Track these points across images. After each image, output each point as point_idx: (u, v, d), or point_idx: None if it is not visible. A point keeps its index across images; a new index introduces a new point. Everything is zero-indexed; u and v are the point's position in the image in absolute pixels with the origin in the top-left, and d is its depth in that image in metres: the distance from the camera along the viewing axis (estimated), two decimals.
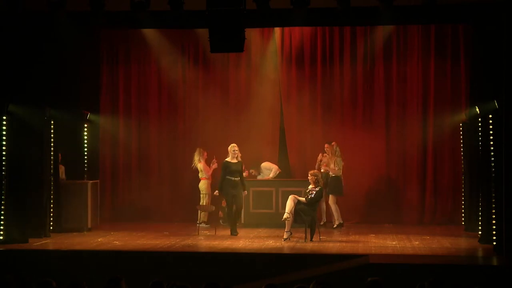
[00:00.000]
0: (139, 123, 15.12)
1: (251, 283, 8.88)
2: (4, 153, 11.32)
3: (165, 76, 15.01)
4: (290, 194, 11.85)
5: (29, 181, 11.62)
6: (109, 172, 14.94)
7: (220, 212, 13.78)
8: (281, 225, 11.90)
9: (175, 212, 14.75)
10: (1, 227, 11.29)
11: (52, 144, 12.20)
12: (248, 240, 11.72)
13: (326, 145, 13.70)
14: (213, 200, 13.51)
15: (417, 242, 11.41)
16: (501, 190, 10.41)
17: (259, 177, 14.15)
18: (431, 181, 14.36)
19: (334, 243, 11.50)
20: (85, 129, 13.74)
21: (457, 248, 10.96)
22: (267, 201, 13.62)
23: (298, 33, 14.66)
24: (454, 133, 14.01)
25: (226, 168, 12.33)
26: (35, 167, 11.68)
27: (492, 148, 10.76)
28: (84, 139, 13.71)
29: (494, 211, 10.65)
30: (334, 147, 13.47)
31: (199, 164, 13.72)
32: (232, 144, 12.50)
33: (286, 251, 10.82)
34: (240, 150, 12.55)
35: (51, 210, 12.35)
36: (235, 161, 12.37)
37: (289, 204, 11.65)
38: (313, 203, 11.73)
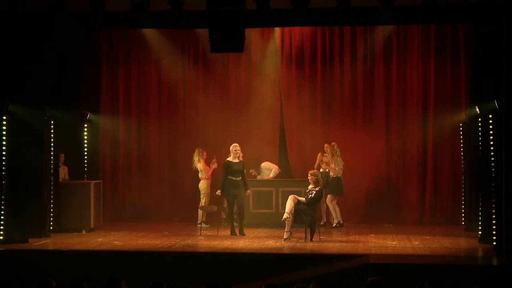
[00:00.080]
0: (139, 123, 15.12)
1: (251, 283, 8.88)
2: (4, 153, 11.32)
3: (165, 76, 15.01)
4: (290, 194, 11.85)
5: (29, 181, 11.62)
6: (109, 172, 14.94)
7: (222, 213, 13.77)
8: (281, 225, 11.89)
9: (175, 212, 14.76)
10: (1, 227, 11.30)
11: (52, 144, 12.20)
12: (248, 240, 11.72)
13: (325, 145, 13.70)
14: (214, 200, 13.49)
15: (417, 242, 11.41)
16: (501, 190, 10.41)
17: (259, 177, 14.16)
18: (431, 181, 14.36)
19: (334, 243, 11.49)
20: (85, 129, 13.76)
21: (457, 248, 10.95)
22: (267, 201, 13.62)
23: (298, 33, 14.66)
24: (454, 133, 14.02)
25: (228, 168, 12.32)
26: (35, 167, 11.68)
27: (492, 148, 10.76)
28: (84, 139, 13.73)
29: (494, 211, 10.65)
30: (335, 147, 13.47)
31: (199, 164, 13.72)
32: (234, 144, 12.49)
33: (286, 251, 10.82)
34: (240, 150, 12.54)
35: (51, 210, 12.35)
36: (236, 160, 12.36)
37: (289, 204, 11.65)
38: (313, 203, 11.73)
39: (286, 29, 14.57)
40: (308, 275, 8.97)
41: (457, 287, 6.51)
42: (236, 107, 14.88)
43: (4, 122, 11.32)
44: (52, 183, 12.33)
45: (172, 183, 14.99)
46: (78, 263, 9.97)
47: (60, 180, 13.00)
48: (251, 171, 13.99)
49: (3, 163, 11.31)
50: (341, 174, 13.43)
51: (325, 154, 13.63)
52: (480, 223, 11.35)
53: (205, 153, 13.80)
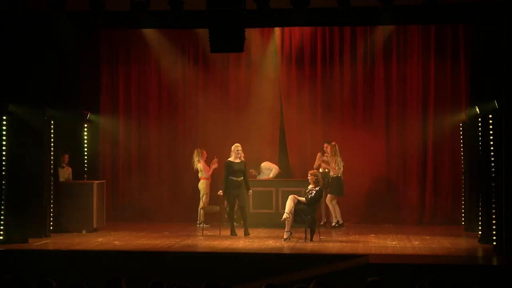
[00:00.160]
0: (139, 123, 15.12)
1: (251, 283, 8.88)
2: (4, 153, 11.32)
3: (165, 76, 15.01)
4: (290, 194, 11.85)
5: (29, 181, 11.62)
6: (109, 172, 14.93)
7: (225, 213, 13.76)
8: (281, 225, 11.89)
9: (175, 212, 14.75)
10: (1, 227, 11.29)
11: (52, 144, 12.20)
12: (248, 240, 11.72)
13: (325, 144, 13.71)
14: (214, 200, 13.47)
15: (417, 242, 11.41)
16: (501, 190, 10.41)
17: (259, 177, 14.16)
18: (431, 181, 14.36)
19: (334, 243, 11.50)
20: (85, 129, 13.76)
21: (457, 248, 10.95)
22: (267, 201, 13.62)
23: (298, 33, 14.66)
24: (454, 133, 14.01)
25: (229, 168, 12.31)
26: (35, 167, 11.68)
27: (492, 148, 10.76)
28: (84, 139, 13.73)
29: (494, 211, 10.65)
30: (336, 147, 13.47)
31: (199, 164, 13.72)
32: (236, 144, 12.49)
33: (286, 251, 10.82)
34: (242, 150, 12.53)
35: (51, 210, 12.35)
36: (238, 161, 12.36)
37: (289, 204, 11.65)
38: (313, 202, 11.73)
39: (286, 29, 14.56)
40: (308, 275, 8.97)
41: (457, 287, 6.51)
42: (236, 107, 14.88)
43: (4, 122, 11.32)
44: (52, 183, 12.34)
45: (172, 183, 14.98)
46: (78, 263, 9.98)
47: (63, 180, 13.01)
48: (251, 171, 13.98)
49: (3, 163, 11.31)
50: (341, 174, 13.43)
51: (325, 154, 13.63)
52: (480, 223, 11.35)
53: (205, 153, 13.80)
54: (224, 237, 12.07)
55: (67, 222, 12.73)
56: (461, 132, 13.60)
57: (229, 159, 12.48)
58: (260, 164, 14.18)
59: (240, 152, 12.40)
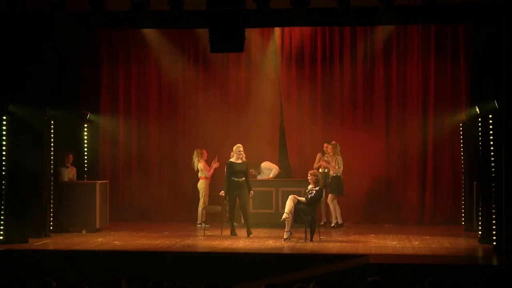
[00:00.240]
0: (139, 123, 15.12)
1: (251, 283, 8.88)
2: (4, 153, 11.32)
3: (165, 76, 15.01)
4: (290, 194, 11.85)
5: (29, 181, 11.62)
6: (109, 172, 14.91)
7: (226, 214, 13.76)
8: (281, 225, 11.89)
9: (175, 212, 14.75)
10: (1, 227, 11.29)
11: (52, 144, 12.20)
12: (248, 240, 11.72)
13: (325, 145, 13.71)
14: (214, 200, 13.47)
15: (417, 242, 11.41)
16: (501, 190, 10.41)
17: (259, 177, 14.15)
18: (431, 181, 14.36)
19: (334, 243, 11.50)
20: (85, 129, 13.76)
21: (457, 248, 10.95)
22: (267, 201, 13.62)
23: (298, 33, 14.66)
24: (454, 133, 14.01)
25: (230, 169, 12.31)
26: (35, 167, 11.68)
27: (492, 148, 10.76)
28: (84, 139, 13.73)
29: (494, 211, 10.65)
30: (337, 146, 13.47)
31: (199, 164, 13.72)
32: (238, 145, 12.48)
33: (286, 251, 10.82)
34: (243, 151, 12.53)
35: (51, 210, 12.35)
36: (239, 161, 12.35)
37: (289, 204, 11.65)
38: (313, 202, 11.73)
39: (286, 29, 14.56)
40: (308, 275, 8.97)
41: (457, 287, 6.51)
42: (236, 107, 14.88)
43: (4, 122, 11.32)
44: (52, 183, 12.34)
45: (172, 183, 14.98)
46: (78, 263, 9.98)
47: (67, 180, 13.01)
48: (251, 170, 13.95)
49: (3, 163, 11.31)
50: (341, 173, 13.43)
51: (326, 155, 13.62)
52: (480, 223, 11.35)
53: (205, 152, 13.80)
54: (224, 237, 12.07)
55: (69, 222, 12.75)
56: (461, 132, 13.60)
57: (230, 159, 12.48)
58: (260, 164, 14.18)
59: (241, 153, 12.39)
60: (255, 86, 14.79)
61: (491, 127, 10.83)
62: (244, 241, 11.59)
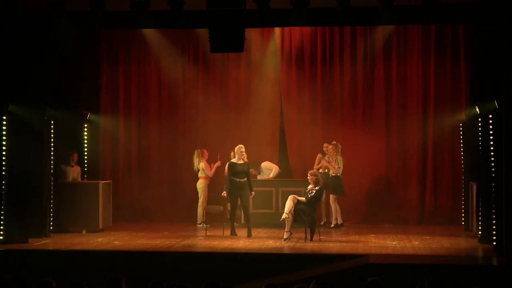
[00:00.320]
0: (139, 123, 15.11)
1: (251, 283, 8.88)
2: (4, 153, 11.32)
3: (165, 76, 15.01)
4: (290, 194, 11.85)
5: (29, 181, 11.62)
6: (109, 172, 14.90)
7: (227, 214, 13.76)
8: (281, 225, 11.90)
9: (175, 212, 14.74)
10: (1, 227, 11.30)
11: (52, 144, 12.20)
12: (248, 240, 11.73)
13: (325, 145, 13.70)
14: (215, 200, 13.47)
15: (417, 242, 11.41)
16: (501, 190, 10.41)
17: (259, 177, 14.15)
18: (431, 181, 14.36)
19: (334, 243, 11.50)
20: (85, 129, 13.76)
21: (457, 248, 10.95)
22: (267, 201, 13.61)
23: (298, 33, 14.65)
24: (454, 133, 14.01)
25: (232, 169, 12.31)
26: (35, 167, 11.68)
27: (492, 148, 10.76)
28: (84, 139, 13.73)
29: (494, 211, 10.65)
30: (339, 145, 13.46)
31: (201, 164, 13.72)
32: (240, 145, 12.47)
33: (286, 251, 10.82)
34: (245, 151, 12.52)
35: (51, 210, 12.36)
36: (241, 162, 12.35)
37: (288, 204, 11.66)
38: (313, 202, 11.73)
39: (286, 29, 14.56)
40: (308, 275, 8.98)
41: (457, 287, 6.51)
42: (236, 107, 14.88)
43: (4, 122, 11.32)
44: (52, 183, 12.34)
45: (172, 183, 14.98)
46: (78, 263, 9.98)
47: (70, 180, 13.01)
48: (251, 170, 13.97)
49: (3, 163, 11.31)
50: (340, 173, 13.42)
51: (326, 155, 13.61)
52: (480, 223, 11.34)
53: (206, 152, 13.80)
54: (224, 237, 12.07)
55: (71, 222, 12.75)
56: (461, 132, 13.60)
57: (232, 160, 12.48)
58: (260, 164, 14.18)
59: (243, 153, 12.39)
60: (255, 86, 14.79)
61: (491, 127, 10.83)
62: (244, 241, 11.59)
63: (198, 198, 13.79)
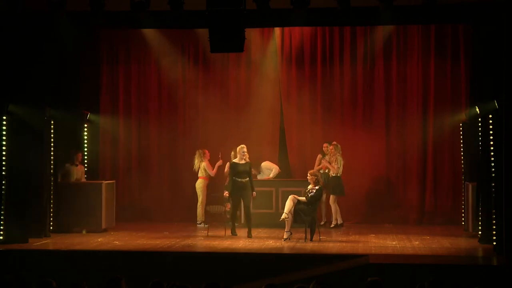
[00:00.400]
0: (139, 123, 15.11)
1: (251, 283, 8.88)
2: (4, 153, 11.32)
3: (165, 76, 15.00)
4: (290, 194, 11.85)
5: (29, 181, 11.62)
6: (109, 172, 14.91)
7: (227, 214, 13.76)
8: (281, 225, 11.90)
9: (175, 212, 14.75)
10: (1, 227, 11.30)
11: (52, 144, 12.20)
12: (248, 240, 11.73)
13: (325, 145, 13.70)
14: (215, 200, 13.47)
15: (417, 242, 11.41)
16: (501, 190, 10.41)
17: (259, 177, 14.14)
18: (431, 181, 14.36)
19: (334, 243, 11.50)
20: (85, 129, 13.76)
21: (457, 248, 10.95)
22: (267, 201, 13.61)
23: (298, 33, 14.65)
24: (454, 133, 14.01)
25: (233, 169, 12.30)
26: (35, 167, 11.68)
27: (492, 148, 10.76)
28: (84, 139, 13.73)
29: (494, 211, 10.65)
30: (338, 146, 13.47)
31: (203, 164, 13.72)
32: (242, 145, 12.46)
33: (286, 251, 10.82)
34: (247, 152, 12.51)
35: (51, 210, 12.35)
36: (243, 162, 12.34)
37: (288, 204, 11.66)
38: (314, 202, 11.73)
39: (286, 29, 14.56)
40: (308, 275, 8.98)
41: (457, 287, 6.51)
42: (236, 107, 14.88)
43: (4, 122, 11.32)
44: (52, 183, 12.34)
45: (172, 183, 14.98)
46: (78, 263, 9.98)
47: (74, 179, 13.02)
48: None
49: (3, 163, 11.31)
50: (341, 173, 13.42)
51: (327, 156, 13.60)
52: (480, 223, 11.34)
53: (207, 152, 13.81)
54: (224, 237, 12.07)
55: (74, 222, 12.74)
56: (461, 132, 13.60)
57: (234, 160, 12.48)
58: (260, 164, 14.17)
59: (245, 153, 12.38)
60: (255, 86, 14.79)
61: (491, 127, 10.83)
62: (244, 241, 11.59)
63: (197, 198, 13.79)
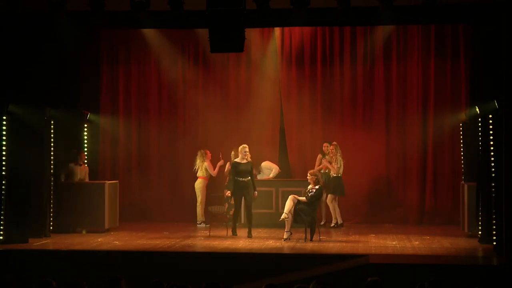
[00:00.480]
0: (139, 123, 15.11)
1: (251, 283, 8.89)
2: (4, 153, 11.33)
3: (165, 76, 15.00)
4: (290, 194, 11.85)
5: (29, 181, 11.62)
6: (109, 172, 14.91)
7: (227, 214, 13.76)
8: (281, 225, 11.90)
9: (175, 212, 14.75)
10: (1, 227, 11.30)
11: (52, 144, 12.20)
12: (248, 240, 11.73)
13: (324, 145, 13.70)
14: (215, 200, 13.47)
15: (417, 242, 11.41)
16: (501, 190, 10.41)
17: (259, 177, 14.13)
18: (431, 181, 14.36)
19: (334, 243, 11.50)
20: (85, 129, 13.76)
21: (457, 248, 10.95)
22: (267, 201, 13.60)
23: (298, 33, 14.65)
24: (454, 133, 14.00)
25: (235, 169, 12.30)
26: (35, 167, 11.68)
27: (492, 148, 10.76)
28: (84, 139, 13.73)
29: (494, 211, 10.65)
30: (338, 146, 13.47)
31: (204, 163, 13.72)
32: (243, 145, 12.47)
33: (286, 251, 10.82)
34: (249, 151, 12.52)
35: (51, 210, 12.36)
36: (244, 161, 12.34)
37: (288, 204, 11.66)
38: (314, 201, 11.73)
39: (286, 29, 14.56)
40: (308, 275, 8.98)
41: (457, 287, 6.51)
42: (236, 107, 14.88)
43: (4, 122, 11.32)
44: (52, 183, 12.34)
45: (172, 183, 14.98)
46: (78, 263, 9.98)
47: (77, 179, 13.02)
48: None
49: (3, 163, 11.31)
50: (341, 173, 13.42)
51: (327, 155, 13.60)
52: (480, 223, 11.34)
53: (208, 153, 13.81)
54: (224, 237, 12.07)
55: (77, 222, 12.75)
56: (461, 132, 13.59)
57: (235, 160, 12.48)
58: (260, 164, 14.17)
59: (247, 153, 12.38)
60: (255, 86, 14.79)
61: (491, 127, 10.83)
62: (244, 241, 11.59)
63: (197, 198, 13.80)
